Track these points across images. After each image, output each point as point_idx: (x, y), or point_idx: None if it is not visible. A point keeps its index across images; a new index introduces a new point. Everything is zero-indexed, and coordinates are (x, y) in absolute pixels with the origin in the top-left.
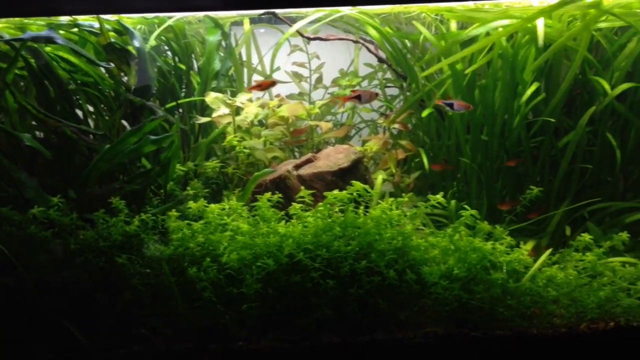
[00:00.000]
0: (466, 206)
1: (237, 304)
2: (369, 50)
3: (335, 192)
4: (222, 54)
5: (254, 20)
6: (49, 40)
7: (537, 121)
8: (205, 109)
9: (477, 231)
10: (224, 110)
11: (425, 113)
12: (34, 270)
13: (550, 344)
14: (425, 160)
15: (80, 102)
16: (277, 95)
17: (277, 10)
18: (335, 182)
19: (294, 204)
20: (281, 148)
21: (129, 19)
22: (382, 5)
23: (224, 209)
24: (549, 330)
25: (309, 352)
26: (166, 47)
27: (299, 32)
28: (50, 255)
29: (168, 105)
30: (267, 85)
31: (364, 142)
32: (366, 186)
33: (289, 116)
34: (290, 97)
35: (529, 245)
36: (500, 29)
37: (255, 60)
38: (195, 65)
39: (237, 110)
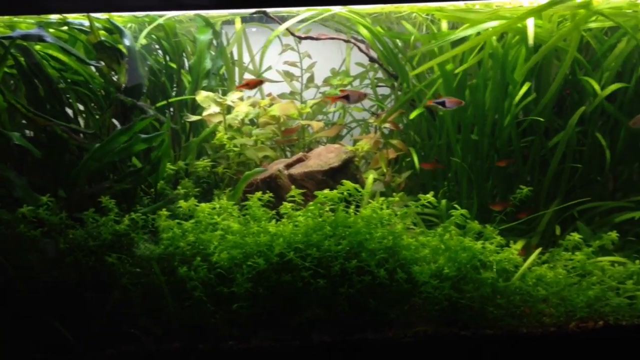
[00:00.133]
0: (456, 205)
1: (228, 303)
2: (360, 50)
3: (326, 191)
4: (213, 53)
5: (245, 19)
6: (39, 39)
7: (527, 121)
8: (196, 108)
9: (468, 230)
10: (215, 109)
11: (413, 114)
12: (23, 269)
13: (540, 343)
14: (415, 159)
15: (71, 100)
16: (269, 95)
17: (268, 10)
18: (326, 181)
19: (284, 203)
20: (272, 147)
21: (120, 18)
22: (373, 5)
23: (214, 208)
24: (539, 329)
25: (300, 352)
26: (157, 46)
27: (289, 32)
28: (40, 254)
29: (159, 104)
30: (255, 83)
31: (355, 142)
32: (357, 185)
33: (280, 115)
34: (282, 96)
35: (519, 244)
36: (491, 29)
37: (246, 59)
38: (187, 64)
39: (228, 109)
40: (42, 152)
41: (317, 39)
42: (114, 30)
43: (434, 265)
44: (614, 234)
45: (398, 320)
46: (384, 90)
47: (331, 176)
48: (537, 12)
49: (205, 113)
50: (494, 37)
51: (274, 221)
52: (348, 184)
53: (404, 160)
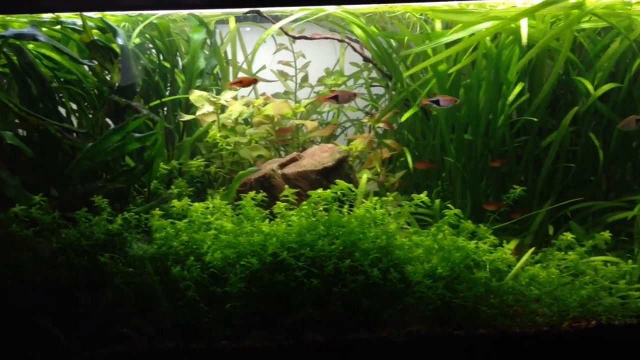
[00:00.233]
0: (450, 205)
1: (221, 303)
2: (354, 50)
3: (320, 191)
4: (207, 52)
5: (239, 19)
6: (32, 38)
7: (521, 121)
8: (190, 107)
9: (461, 230)
10: (208, 108)
11: (405, 116)
12: (15, 269)
13: (533, 343)
14: (409, 159)
15: (64, 100)
16: (263, 94)
17: (262, 9)
18: (320, 181)
19: (278, 202)
20: (266, 147)
21: (113, 17)
22: (367, 4)
23: (208, 208)
24: (532, 329)
25: (293, 351)
26: (150, 45)
27: (284, 31)
28: (32, 254)
29: (152, 104)
30: (248, 82)
31: (349, 141)
32: (350, 185)
33: (274, 115)
34: (276, 95)
35: (512, 244)
36: (484, 30)
37: (241, 58)
38: (180, 64)
39: (221, 109)
40: (34, 152)
41: (311, 38)
42: (107, 29)
43: (428, 264)
44: (606, 234)
45: (391, 320)
46: (378, 90)
47: (325, 176)
48: (530, 12)
49: (198, 112)
50: (488, 37)
51: (267, 221)
52: (342, 183)
53: (398, 160)
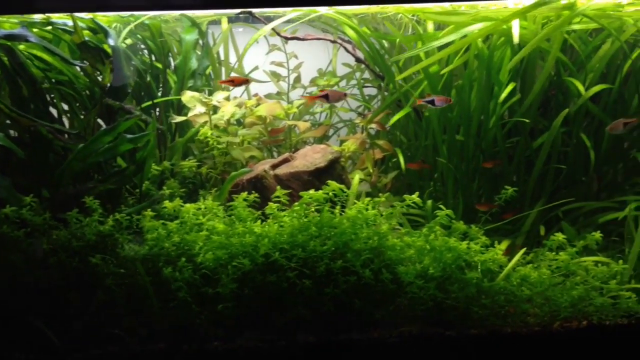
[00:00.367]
0: (441, 206)
1: (213, 304)
2: (347, 50)
3: (312, 191)
4: (199, 53)
5: (232, 20)
6: (22, 39)
7: (511, 121)
8: (182, 108)
9: (453, 231)
10: (200, 109)
11: (396, 118)
12: (6, 270)
13: (524, 343)
14: (402, 160)
15: (55, 100)
16: (255, 95)
17: (254, 10)
18: (312, 181)
19: (270, 203)
20: (259, 147)
21: (104, 17)
22: (359, 5)
23: (199, 209)
24: (523, 329)
25: (285, 352)
26: (142, 46)
27: (276, 32)
28: (23, 255)
29: (144, 105)
30: (240, 81)
31: (341, 142)
32: (342, 186)
33: (266, 115)
34: (268, 96)
35: (504, 244)
36: (476, 32)
37: (233, 59)
38: (173, 64)
39: (214, 109)
40: (25, 153)
41: (303, 39)
42: (98, 30)
43: (419, 265)
44: (597, 234)
45: (383, 321)
46: (370, 91)
47: (317, 177)
48: (521, 13)
49: (190, 113)
50: (480, 39)
51: (259, 222)
52: (333, 184)
53: (390, 161)
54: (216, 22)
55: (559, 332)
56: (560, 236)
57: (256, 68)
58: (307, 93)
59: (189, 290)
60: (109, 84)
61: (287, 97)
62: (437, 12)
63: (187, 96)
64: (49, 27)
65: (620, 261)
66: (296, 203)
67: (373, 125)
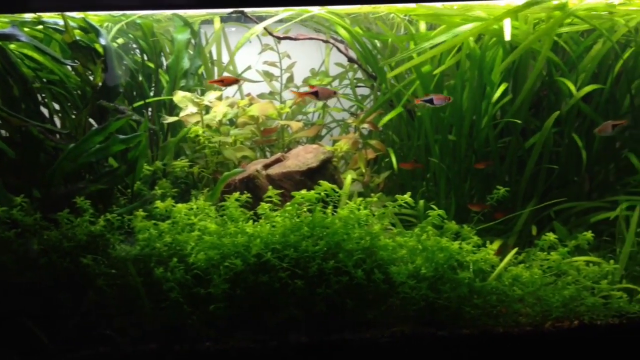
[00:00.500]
0: (433, 206)
1: (205, 304)
2: (339, 50)
3: (304, 191)
4: (191, 53)
5: (224, 19)
6: (13, 38)
7: (503, 122)
8: (174, 108)
9: (445, 231)
10: (192, 109)
11: (387, 118)
12: None
13: (516, 343)
14: (394, 160)
15: (46, 100)
16: (248, 95)
17: (247, 10)
18: (304, 181)
19: (262, 203)
20: (251, 147)
21: (96, 17)
22: (351, 5)
23: (191, 209)
24: (515, 329)
25: (277, 352)
26: (134, 45)
27: (268, 32)
28: (14, 255)
29: (136, 105)
30: (230, 81)
31: (334, 142)
32: (334, 186)
33: (259, 115)
34: (261, 96)
35: (496, 244)
36: (468, 31)
37: (226, 59)
38: (165, 64)
39: (206, 109)
40: (16, 153)
41: (295, 39)
42: (89, 29)
43: (412, 265)
44: (589, 234)
45: (375, 321)
46: (363, 91)
47: (309, 176)
48: (513, 13)
49: (182, 113)
50: (471, 38)
51: (251, 222)
52: (325, 184)
53: (383, 161)
54: (209, 22)
55: (550, 332)
56: (551, 236)
57: (249, 68)
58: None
59: (181, 290)
60: (100, 84)
61: (279, 97)
62: (428, 13)
63: (179, 96)
64: (40, 27)
65: (612, 261)
66: (288, 203)
67: (365, 125)
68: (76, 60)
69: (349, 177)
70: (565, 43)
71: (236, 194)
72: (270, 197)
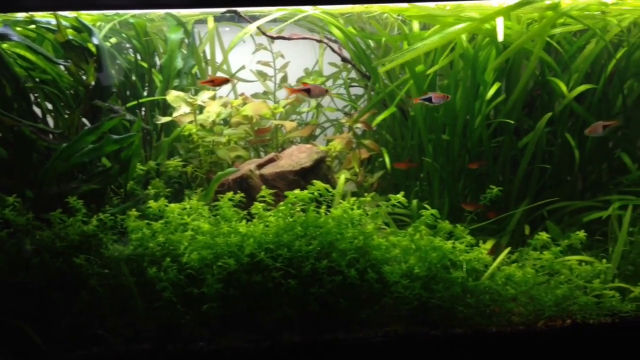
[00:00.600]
0: (427, 205)
1: (198, 304)
2: (333, 50)
3: (297, 191)
4: (184, 52)
5: (218, 19)
6: (5, 37)
7: (497, 121)
8: (167, 108)
9: (438, 230)
10: (185, 109)
11: (380, 118)
12: None
13: (509, 342)
14: (387, 159)
15: (39, 100)
16: (242, 94)
17: (240, 9)
18: (298, 181)
19: (256, 203)
20: (245, 147)
21: (89, 16)
22: (344, 5)
23: (184, 209)
24: (508, 328)
25: (271, 352)
26: (128, 45)
27: (261, 31)
28: (6, 255)
29: (129, 104)
30: (220, 81)
31: (328, 142)
32: (327, 186)
33: (253, 115)
34: (255, 96)
35: (489, 244)
36: (460, 29)
37: (220, 58)
38: (158, 63)
39: (200, 109)
40: (9, 152)
41: (289, 38)
42: (82, 28)
43: (405, 265)
44: (581, 233)
45: (369, 320)
46: (357, 90)
47: (303, 176)
48: (505, 12)
49: (175, 113)
50: (465, 38)
51: (244, 221)
52: (318, 184)
53: (377, 160)
54: (203, 21)
55: (543, 331)
56: (544, 235)
57: (243, 67)
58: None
59: (174, 290)
60: (93, 83)
61: (273, 97)
62: (421, 14)
63: (172, 96)
64: (33, 26)
65: (604, 260)
66: (281, 203)
67: (359, 125)
68: (69, 60)
69: (342, 177)
70: (559, 43)
71: (229, 194)
72: (263, 196)
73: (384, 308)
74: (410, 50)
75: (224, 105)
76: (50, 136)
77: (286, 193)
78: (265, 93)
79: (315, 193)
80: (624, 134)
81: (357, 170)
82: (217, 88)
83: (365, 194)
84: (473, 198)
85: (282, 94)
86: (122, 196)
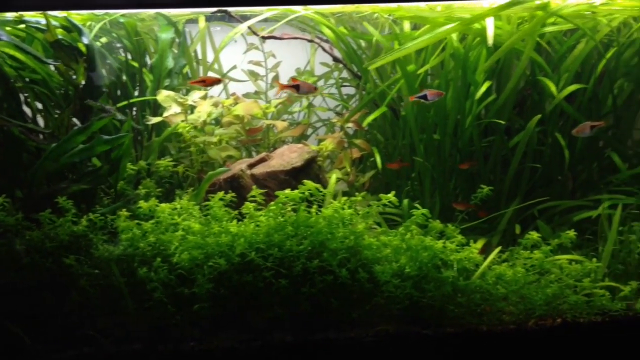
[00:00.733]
0: (417, 205)
1: (189, 304)
2: (324, 50)
3: (288, 191)
4: (175, 52)
5: (209, 18)
6: None
7: (486, 121)
8: (158, 107)
9: (430, 230)
10: (176, 108)
11: (370, 118)
12: None
13: (500, 341)
14: (378, 159)
15: (29, 100)
16: (233, 94)
17: (230, 9)
18: (289, 181)
19: (247, 203)
20: (237, 147)
21: (79, 16)
22: (334, 5)
23: (175, 209)
24: (499, 327)
25: (262, 352)
26: (118, 45)
27: (252, 31)
28: None
29: (120, 104)
30: (211, 81)
31: (320, 141)
32: (318, 185)
33: (244, 115)
34: (246, 95)
35: (479, 243)
36: (450, 29)
37: (211, 58)
38: (149, 63)
39: (191, 109)
40: None
41: (280, 38)
42: (71, 28)
43: (396, 264)
44: (572, 233)
45: (360, 320)
46: (349, 90)
47: (294, 176)
48: (495, 12)
49: (166, 113)
50: (455, 38)
51: (235, 221)
52: (309, 183)
53: (368, 160)
54: (194, 21)
55: (534, 330)
56: (534, 234)
57: (234, 67)
58: (286, 92)
59: (165, 290)
60: (83, 83)
61: (265, 96)
62: (412, 15)
63: (163, 95)
64: (22, 26)
65: (594, 259)
66: (272, 202)
67: (350, 125)
68: (58, 60)
69: (333, 177)
70: (549, 43)
71: (220, 194)
72: (254, 196)
73: (375, 308)
74: (402, 49)
75: (215, 105)
76: (41, 136)
77: (277, 193)
78: (256, 93)
79: (306, 193)
80: (614, 133)
81: (349, 169)
82: (208, 88)
83: (357, 193)
84: (464, 197)
85: (273, 93)
86: (112, 196)
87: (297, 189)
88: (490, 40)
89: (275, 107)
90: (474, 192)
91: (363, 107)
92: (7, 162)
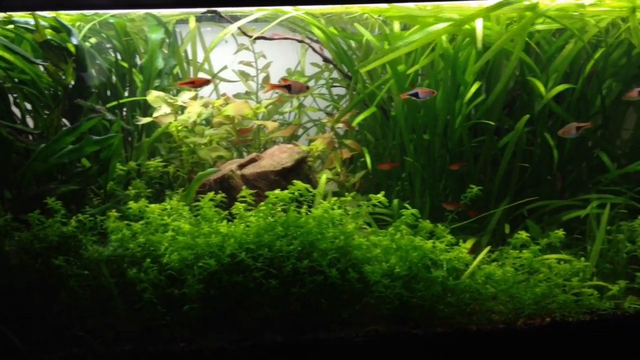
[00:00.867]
0: (407, 205)
1: (179, 304)
2: (314, 50)
3: (278, 191)
4: (165, 52)
5: (199, 19)
6: None
7: (474, 122)
8: (148, 108)
9: (419, 230)
10: (166, 109)
11: (360, 118)
12: None
13: (489, 340)
14: (368, 159)
15: (18, 100)
16: (223, 94)
17: (220, 9)
18: (279, 181)
19: (237, 203)
20: (227, 147)
21: (68, 16)
22: (324, 5)
23: (165, 209)
24: (488, 327)
25: (252, 352)
26: (108, 45)
27: (242, 31)
28: None
29: (110, 105)
30: (200, 82)
31: (310, 142)
32: (308, 185)
33: (234, 115)
34: (237, 96)
35: (469, 243)
36: (440, 30)
37: (201, 58)
38: (139, 63)
39: (181, 109)
40: None
41: (270, 38)
42: (61, 28)
43: (386, 264)
44: (560, 232)
45: (350, 320)
46: (339, 90)
47: (284, 176)
48: (485, 13)
49: (155, 113)
50: (445, 39)
51: (225, 222)
52: (299, 184)
53: (359, 160)
54: (184, 21)
55: (523, 329)
56: (524, 234)
57: (225, 68)
58: (276, 93)
59: (155, 291)
60: (72, 83)
61: (255, 97)
62: (402, 15)
63: (153, 96)
64: (11, 26)
65: (583, 258)
66: (262, 203)
67: (341, 125)
68: (47, 60)
69: (323, 177)
70: (538, 44)
71: (211, 194)
72: (244, 196)
73: (365, 307)
74: (393, 51)
75: (205, 105)
76: (30, 137)
77: (267, 193)
78: (247, 93)
79: (296, 193)
80: (603, 133)
81: (339, 170)
82: (198, 89)
83: (347, 193)
84: (454, 197)
85: (264, 94)
86: (102, 197)
87: (288, 189)
88: (479, 43)
89: (266, 107)
90: (463, 192)
91: (353, 107)
92: None
